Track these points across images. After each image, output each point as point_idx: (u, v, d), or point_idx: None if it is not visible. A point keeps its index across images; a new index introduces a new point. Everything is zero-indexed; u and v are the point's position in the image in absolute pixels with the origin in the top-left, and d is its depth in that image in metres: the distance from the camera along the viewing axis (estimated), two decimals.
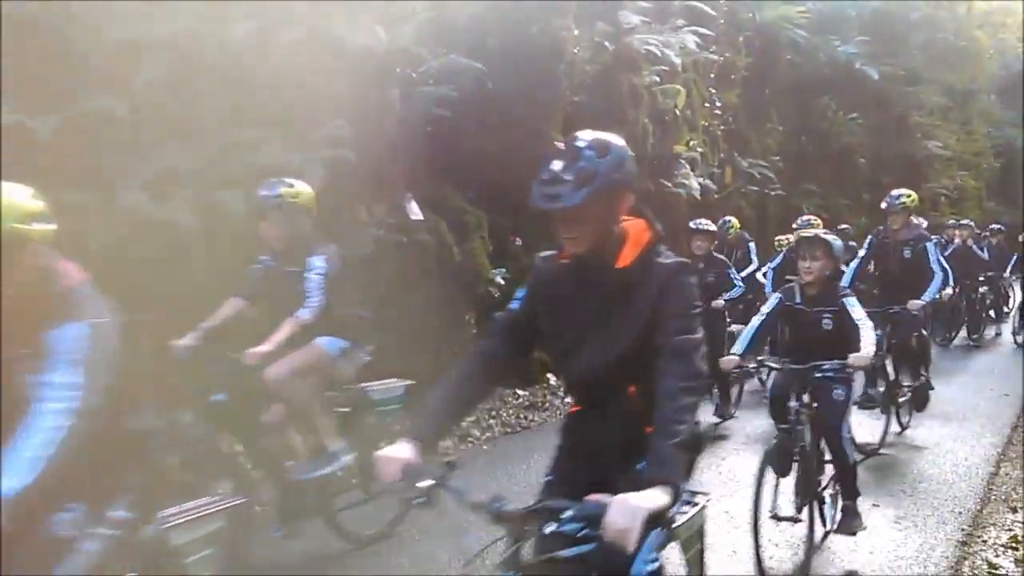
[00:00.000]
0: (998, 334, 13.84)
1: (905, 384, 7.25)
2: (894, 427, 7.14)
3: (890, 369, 7.12)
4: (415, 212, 7.31)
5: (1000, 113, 28.42)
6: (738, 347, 4.61)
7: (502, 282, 8.39)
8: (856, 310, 4.46)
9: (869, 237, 7.77)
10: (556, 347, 2.36)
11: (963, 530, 5.04)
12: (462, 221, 8.13)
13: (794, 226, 9.27)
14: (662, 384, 2.09)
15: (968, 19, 24.36)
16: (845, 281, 6.92)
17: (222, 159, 5.56)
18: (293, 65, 5.85)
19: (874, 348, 4.26)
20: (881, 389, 7.08)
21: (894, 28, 19.59)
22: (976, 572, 4.46)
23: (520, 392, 8.33)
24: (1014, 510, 5.44)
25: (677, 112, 11.54)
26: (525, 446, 6.63)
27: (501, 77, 8.18)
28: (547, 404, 8.22)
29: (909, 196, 7.26)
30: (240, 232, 5.44)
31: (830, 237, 4.62)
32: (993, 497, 5.74)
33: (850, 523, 4.61)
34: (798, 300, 4.67)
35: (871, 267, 7.79)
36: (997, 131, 27.74)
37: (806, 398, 4.44)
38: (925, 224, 10.94)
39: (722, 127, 13.46)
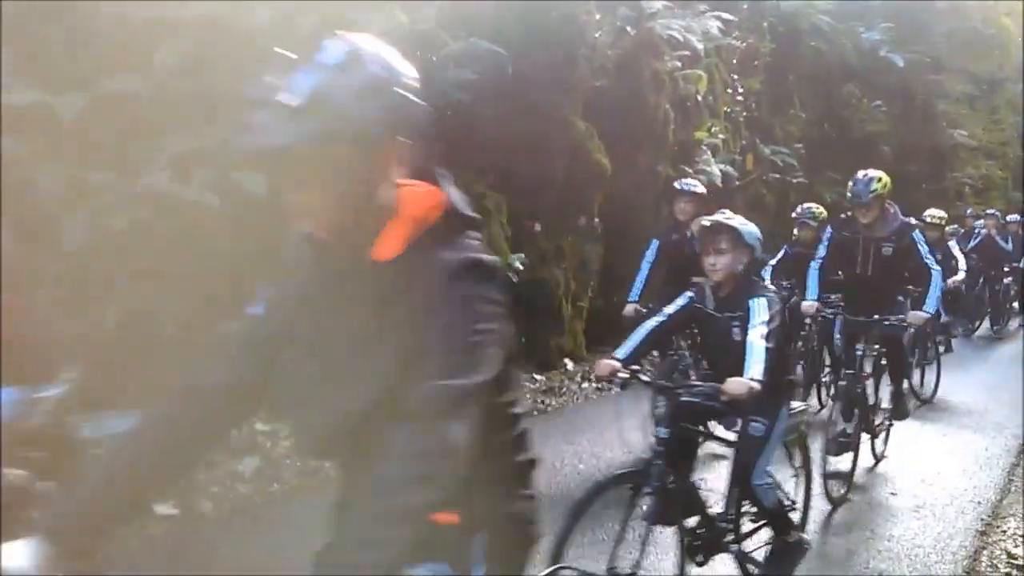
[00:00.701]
0: (1022, 325, 13.71)
1: (883, 406, 6.17)
2: (867, 460, 5.91)
3: (870, 391, 5.89)
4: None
5: None
6: (622, 350, 3.62)
7: (521, 267, 8.38)
8: (759, 316, 3.42)
9: (828, 231, 6.26)
10: (282, 384, 1.48)
11: (982, 520, 5.03)
12: (481, 206, 8.13)
13: (793, 215, 8.13)
14: (374, 471, 1.28)
15: (995, 7, 23.93)
16: (811, 294, 5.94)
17: (243, 141, 5.59)
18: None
19: (760, 373, 3.22)
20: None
21: (919, 15, 19.30)
22: (995, 562, 4.44)
23: (537, 377, 8.34)
24: None
25: (699, 98, 11.45)
26: (541, 432, 6.63)
27: (522, 61, 8.14)
28: (564, 389, 8.22)
29: (880, 180, 5.60)
30: (261, 212, 5.48)
31: (736, 222, 3.62)
32: (1013, 488, 5.71)
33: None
34: (709, 303, 3.70)
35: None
36: None
37: (723, 430, 3.79)
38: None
39: (744, 113, 13.34)
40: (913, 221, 6.12)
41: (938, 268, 5.84)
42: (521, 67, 8.06)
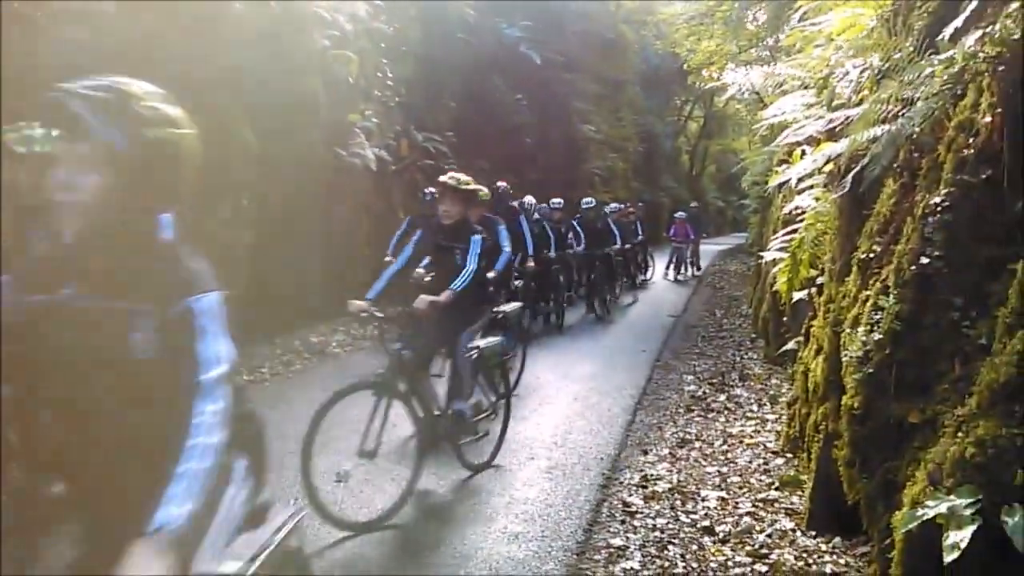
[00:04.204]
0: (634, 301, 15.49)
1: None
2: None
3: None
4: None
5: (643, 103, 31.99)
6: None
7: None
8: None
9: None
10: None
11: (603, 474, 5.56)
12: None
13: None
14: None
15: (616, 14, 26.94)
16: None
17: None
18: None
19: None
20: None
21: (554, 15, 21.04)
22: (612, 511, 4.92)
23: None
24: (645, 452, 6.12)
25: (351, 80, 11.35)
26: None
27: (154, 24, 7.40)
28: None
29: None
30: None
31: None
32: (629, 443, 6.41)
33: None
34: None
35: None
36: (641, 119, 31.20)
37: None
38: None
39: (396, 99, 13.51)
40: None
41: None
42: (142, 33, 7.32)
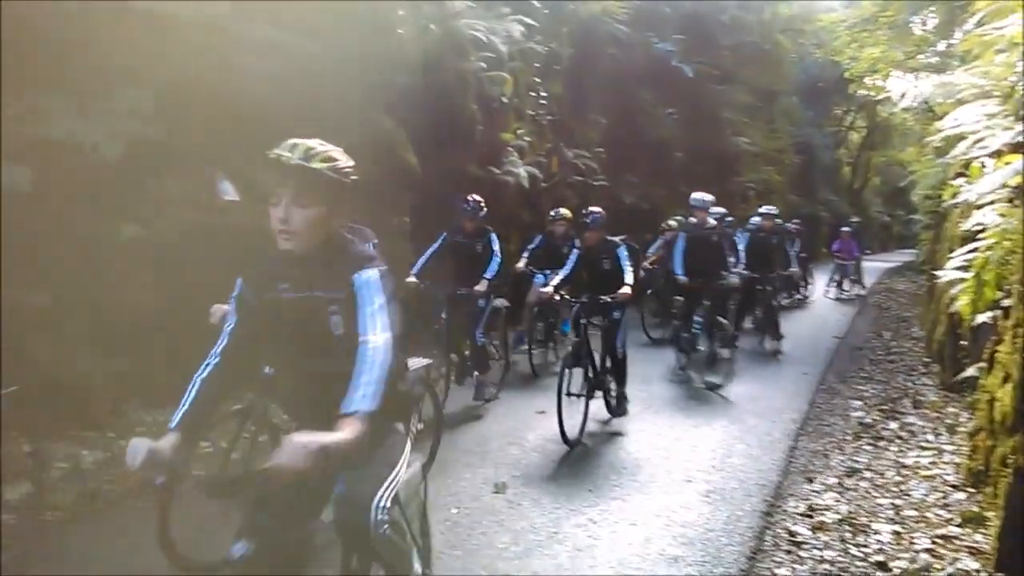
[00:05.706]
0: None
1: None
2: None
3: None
4: (228, 192, 6.84)
5: (800, 113, 30.85)
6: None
7: None
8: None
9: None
10: None
11: (766, 501, 5.35)
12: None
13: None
14: None
15: (772, 24, 26.12)
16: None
17: (6, 131, 4.98)
18: (81, 30, 5.32)
19: None
20: None
21: (706, 28, 20.67)
22: (777, 540, 4.74)
23: None
24: (810, 480, 5.86)
25: (504, 100, 11.59)
26: None
27: (326, 53, 7.86)
28: None
29: None
30: (31, 211, 4.93)
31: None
32: (792, 469, 6.15)
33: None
34: None
35: None
36: (798, 130, 30.09)
37: None
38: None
39: (548, 117, 13.67)
40: None
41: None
42: (325, 60, 7.78)
